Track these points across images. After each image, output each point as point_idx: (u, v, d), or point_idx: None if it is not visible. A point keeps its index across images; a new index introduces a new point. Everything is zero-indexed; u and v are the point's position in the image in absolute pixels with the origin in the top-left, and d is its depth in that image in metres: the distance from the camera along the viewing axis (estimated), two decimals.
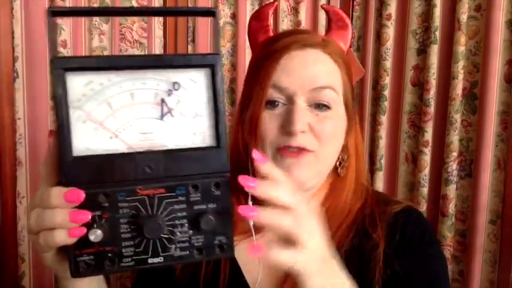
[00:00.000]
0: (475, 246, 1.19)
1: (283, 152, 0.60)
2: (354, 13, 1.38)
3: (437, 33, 1.21)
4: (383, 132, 1.32)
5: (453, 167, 1.21)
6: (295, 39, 0.62)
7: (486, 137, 1.17)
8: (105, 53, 1.19)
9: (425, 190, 1.25)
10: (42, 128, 1.14)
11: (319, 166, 0.62)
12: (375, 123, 1.35)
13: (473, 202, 1.20)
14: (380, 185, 1.34)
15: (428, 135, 1.24)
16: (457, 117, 1.20)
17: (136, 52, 1.23)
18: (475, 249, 1.19)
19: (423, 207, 1.25)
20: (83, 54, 1.18)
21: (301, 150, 0.60)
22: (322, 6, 0.73)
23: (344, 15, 0.69)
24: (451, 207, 1.22)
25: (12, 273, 1.13)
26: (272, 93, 0.61)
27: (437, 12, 1.20)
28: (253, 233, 0.60)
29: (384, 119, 1.32)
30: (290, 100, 0.61)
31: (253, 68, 0.66)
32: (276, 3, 0.73)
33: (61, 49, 1.14)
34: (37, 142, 1.14)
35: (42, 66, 1.13)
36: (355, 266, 0.58)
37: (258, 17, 0.69)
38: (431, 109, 1.23)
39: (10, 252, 1.13)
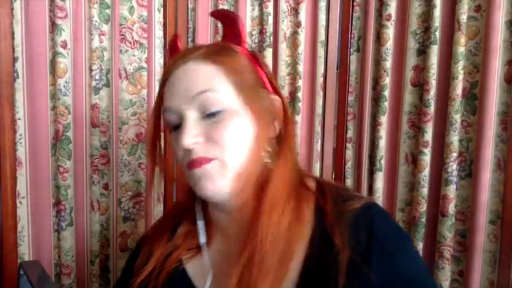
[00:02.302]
0: (475, 246, 1.19)
1: (189, 166, 0.60)
2: (353, 13, 1.38)
3: (437, 34, 1.21)
4: (383, 132, 1.33)
5: (453, 167, 1.21)
6: (173, 60, 0.64)
7: (486, 137, 1.17)
8: (105, 53, 1.19)
9: (425, 190, 1.26)
10: (42, 128, 1.14)
11: (231, 171, 0.59)
12: (375, 124, 1.35)
13: (473, 202, 1.20)
14: (380, 185, 1.34)
15: (428, 136, 1.24)
16: (457, 117, 1.20)
17: (136, 52, 1.23)
18: (475, 249, 1.19)
19: (423, 207, 1.26)
20: (83, 55, 1.18)
21: (202, 160, 0.59)
22: (211, 14, 0.73)
23: (230, 13, 0.69)
24: (451, 208, 1.22)
25: (12, 273, 1.13)
26: (168, 116, 0.63)
27: (437, 12, 1.21)
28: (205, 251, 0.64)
29: (384, 119, 1.32)
30: (181, 117, 0.61)
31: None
32: (177, 35, 0.72)
33: (61, 50, 1.14)
34: (37, 142, 1.14)
35: (42, 66, 1.13)
36: (316, 279, 0.56)
37: (171, 52, 0.71)
38: (431, 109, 1.23)
39: (10, 252, 1.13)
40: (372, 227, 0.58)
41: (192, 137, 0.59)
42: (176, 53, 0.68)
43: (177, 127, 0.62)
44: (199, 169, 0.59)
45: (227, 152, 0.59)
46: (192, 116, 0.60)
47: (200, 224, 0.67)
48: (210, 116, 0.60)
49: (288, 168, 0.62)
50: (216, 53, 0.62)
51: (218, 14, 0.72)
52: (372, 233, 0.57)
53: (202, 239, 0.66)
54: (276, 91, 0.66)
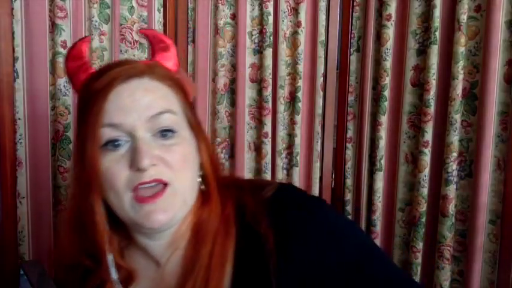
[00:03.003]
0: (475, 246, 1.19)
1: (139, 199, 0.56)
2: (354, 13, 1.38)
3: (437, 34, 1.21)
4: (383, 132, 1.33)
5: (453, 167, 1.21)
6: (118, 73, 0.58)
7: (486, 137, 1.17)
8: (105, 53, 1.19)
9: (425, 190, 1.26)
10: (42, 128, 1.14)
11: (180, 197, 0.58)
12: (375, 124, 1.35)
13: (473, 202, 1.20)
14: (380, 185, 1.34)
15: (428, 136, 1.24)
16: (457, 117, 1.20)
17: (136, 52, 1.23)
18: (475, 249, 1.19)
19: (423, 208, 1.26)
20: None
21: (156, 194, 0.56)
22: (140, 31, 0.71)
23: (164, 37, 0.67)
24: (451, 208, 1.22)
25: (12, 273, 1.13)
26: (110, 133, 0.56)
27: (437, 12, 1.21)
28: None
29: (384, 119, 1.32)
30: (131, 136, 0.56)
31: (81, 111, 0.61)
32: (89, 37, 0.68)
33: (61, 50, 1.14)
34: (37, 142, 1.14)
35: (42, 66, 1.13)
36: (249, 269, 0.57)
37: (74, 57, 0.66)
38: (431, 109, 1.23)
39: (10, 252, 1.13)
40: (286, 207, 0.59)
41: (150, 158, 0.55)
42: (80, 59, 0.64)
43: (114, 143, 0.56)
44: (152, 203, 0.56)
45: (179, 178, 0.57)
46: (146, 136, 0.56)
47: (110, 259, 0.61)
48: (163, 138, 0.57)
49: (214, 195, 0.62)
50: (164, 76, 0.60)
51: (150, 35, 0.67)
52: (287, 214, 0.59)
53: (114, 274, 0.61)
54: None
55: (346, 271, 0.57)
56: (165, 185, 0.56)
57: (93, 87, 0.58)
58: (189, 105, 0.62)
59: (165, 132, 0.57)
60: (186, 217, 0.60)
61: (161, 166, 0.56)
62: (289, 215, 0.58)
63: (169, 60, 0.64)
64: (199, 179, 0.61)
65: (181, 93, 0.61)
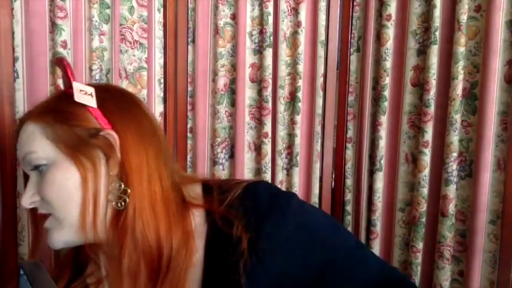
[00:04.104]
0: (475, 246, 1.19)
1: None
2: (353, 13, 1.38)
3: (437, 34, 1.21)
4: (383, 132, 1.33)
5: (453, 167, 1.21)
6: (20, 120, 0.65)
7: (486, 137, 1.17)
8: (106, 53, 1.19)
9: (425, 190, 1.26)
10: None
11: (67, 225, 0.60)
12: (375, 124, 1.35)
13: (473, 202, 1.20)
14: (380, 185, 1.34)
15: (428, 136, 1.24)
16: (457, 117, 1.20)
17: (136, 52, 1.23)
18: (475, 249, 1.19)
19: (423, 208, 1.26)
20: (83, 55, 1.18)
21: (41, 217, 0.62)
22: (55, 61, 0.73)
23: (57, 59, 0.70)
24: (451, 208, 1.22)
25: (12, 273, 1.13)
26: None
27: (437, 12, 1.21)
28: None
29: (384, 119, 1.33)
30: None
31: None
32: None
33: (61, 50, 1.14)
34: None
35: (42, 66, 1.13)
36: (219, 271, 0.59)
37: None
38: (431, 109, 1.23)
39: (10, 252, 1.13)
40: (256, 205, 0.60)
41: (28, 197, 0.61)
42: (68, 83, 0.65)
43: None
44: (44, 224, 0.62)
45: (56, 208, 0.59)
46: (31, 174, 0.62)
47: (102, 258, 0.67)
48: (40, 172, 0.61)
49: (142, 200, 0.59)
50: (39, 112, 0.62)
51: (56, 63, 0.71)
52: (258, 211, 0.60)
53: (104, 271, 0.67)
54: (114, 126, 0.61)
55: (313, 277, 0.59)
56: (48, 216, 0.61)
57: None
58: (62, 131, 0.60)
59: (38, 168, 0.61)
60: (108, 228, 0.61)
61: (42, 201, 0.61)
62: (260, 216, 0.59)
63: (65, 79, 0.65)
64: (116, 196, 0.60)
65: (46, 126, 0.61)
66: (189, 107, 1.31)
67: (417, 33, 1.27)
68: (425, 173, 1.25)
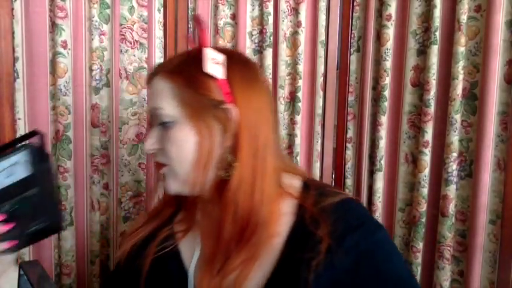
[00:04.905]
0: (475, 246, 1.19)
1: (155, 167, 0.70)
2: (353, 13, 1.38)
3: (437, 34, 1.21)
4: (383, 132, 1.33)
5: (453, 167, 1.21)
6: (151, 73, 0.71)
7: (486, 137, 1.17)
8: (105, 53, 1.19)
9: (425, 190, 1.26)
10: (42, 128, 1.14)
11: (180, 177, 0.67)
12: (375, 124, 1.35)
13: (473, 202, 1.20)
14: (380, 185, 1.34)
15: (428, 136, 1.24)
16: (457, 117, 1.20)
17: (136, 52, 1.23)
18: (475, 249, 1.19)
19: (423, 208, 1.26)
20: (84, 55, 1.18)
21: (157, 165, 0.69)
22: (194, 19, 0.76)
23: (196, 17, 0.74)
24: (451, 208, 1.22)
25: None
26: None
27: (437, 12, 1.21)
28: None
29: (384, 119, 1.32)
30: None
31: None
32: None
33: (61, 50, 1.14)
34: None
35: (42, 66, 1.13)
36: (291, 266, 0.63)
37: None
38: (431, 109, 1.23)
39: None
40: (347, 219, 0.64)
41: (149, 144, 0.68)
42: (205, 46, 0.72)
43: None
44: (160, 170, 0.69)
45: (176, 161, 0.66)
46: (155, 124, 0.68)
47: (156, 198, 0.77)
48: (163, 128, 0.67)
49: (246, 175, 0.65)
50: (171, 69, 0.67)
51: (194, 20, 0.76)
52: (347, 225, 0.64)
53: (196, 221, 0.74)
54: (236, 101, 0.65)
55: None
56: (165, 166, 0.68)
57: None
58: (194, 94, 0.65)
59: (164, 124, 0.66)
60: (213, 190, 0.68)
61: (162, 151, 0.67)
62: (347, 230, 0.63)
63: (200, 40, 0.68)
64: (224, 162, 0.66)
65: (178, 86, 0.66)
66: None
67: (417, 33, 1.27)
68: (425, 173, 1.25)
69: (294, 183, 0.71)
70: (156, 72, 0.68)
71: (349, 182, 1.43)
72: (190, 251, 0.72)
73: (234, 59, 0.68)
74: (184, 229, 0.75)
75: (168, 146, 0.66)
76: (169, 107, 0.65)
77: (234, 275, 0.64)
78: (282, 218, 0.67)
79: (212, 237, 0.68)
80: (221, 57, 0.65)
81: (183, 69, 0.67)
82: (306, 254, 0.62)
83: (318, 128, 1.38)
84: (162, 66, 0.70)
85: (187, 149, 0.65)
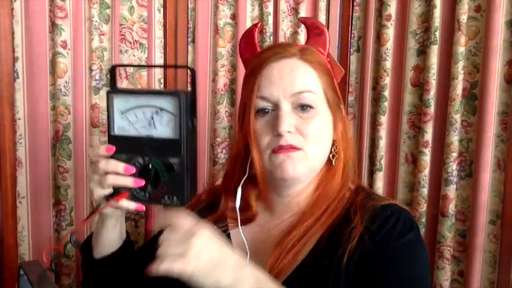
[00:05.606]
0: (475, 247, 1.19)
1: (275, 152, 0.69)
2: (353, 14, 1.38)
3: (437, 34, 1.21)
4: (383, 132, 1.33)
5: (453, 167, 1.21)
6: (272, 52, 0.73)
7: (486, 137, 1.17)
8: (105, 53, 1.19)
9: (425, 190, 1.26)
10: (42, 128, 1.14)
11: (310, 162, 0.71)
12: (375, 124, 1.35)
13: (473, 202, 1.20)
14: (380, 185, 1.34)
15: (428, 136, 1.24)
16: (457, 117, 1.20)
17: (136, 52, 1.23)
18: (475, 250, 1.19)
19: (423, 208, 1.26)
20: (83, 55, 1.18)
21: (290, 148, 0.69)
22: (299, 20, 0.83)
23: (319, 24, 0.79)
24: (451, 208, 1.22)
25: (12, 273, 1.13)
26: (260, 103, 0.71)
27: (437, 12, 1.21)
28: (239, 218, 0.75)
29: (384, 119, 1.32)
30: (276, 106, 0.70)
31: (243, 83, 0.77)
32: (260, 23, 0.86)
33: (61, 50, 1.14)
34: (37, 142, 1.14)
35: (42, 66, 1.13)
36: (332, 243, 0.68)
37: (245, 37, 0.80)
38: (431, 109, 1.23)
39: (10, 252, 1.13)
40: (386, 220, 0.68)
41: (287, 126, 0.68)
42: (252, 43, 0.78)
43: (263, 111, 0.71)
44: (285, 154, 0.69)
45: (311, 145, 0.70)
46: (287, 108, 0.69)
47: (239, 191, 0.76)
48: (302, 111, 0.70)
49: (346, 160, 0.75)
50: (311, 59, 0.72)
51: (308, 22, 0.80)
52: (384, 224, 0.68)
53: (238, 203, 0.76)
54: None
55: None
56: (298, 150, 0.69)
57: (253, 64, 0.74)
58: (332, 87, 0.74)
59: (304, 107, 0.70)
60: (309, 184, 0.74)
61: (296, 134, 0.69)
62: (381, 226, 0.68)
63: (321, 44, 0.76)
64: (330, 153, 0.74)
65: (325, 75, 0.72)
66: None
67: (417, 33, 1.27)
68: (425, 173, 1.25)
69: (350, 185, 0.78)
70: (289, 55, 0.71)
71: None
72: (241, 245, 0.73)
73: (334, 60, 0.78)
74: (242, 219, 0.76)
75: (311, 132, 0.69)
76: (319, 93, 0.71)
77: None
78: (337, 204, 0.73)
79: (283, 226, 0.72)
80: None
81: (323, 61, 0.74)
82: (343, 238, 0.67)
83: None
84: (297, 50, 0.72)
85: (324, 137, 0.72)
